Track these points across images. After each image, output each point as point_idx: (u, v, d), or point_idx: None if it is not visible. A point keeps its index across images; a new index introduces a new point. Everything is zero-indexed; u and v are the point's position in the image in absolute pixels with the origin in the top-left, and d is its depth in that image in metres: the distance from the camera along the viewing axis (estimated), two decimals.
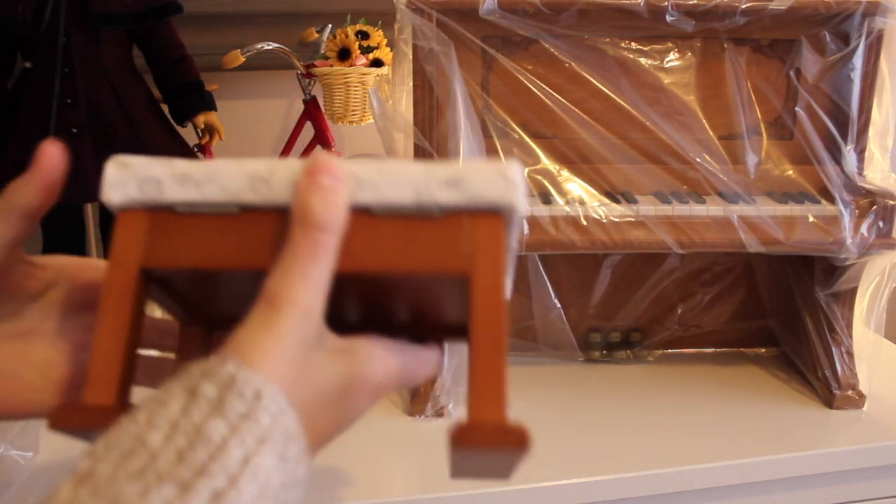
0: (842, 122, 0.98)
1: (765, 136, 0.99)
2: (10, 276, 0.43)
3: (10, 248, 0.42)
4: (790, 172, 0.99)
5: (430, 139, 0.94)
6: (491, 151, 0.95)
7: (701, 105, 0.98)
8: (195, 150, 1.14)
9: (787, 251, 0.94)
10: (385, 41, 1.24)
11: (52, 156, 0.43)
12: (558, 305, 1.06)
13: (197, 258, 0.39)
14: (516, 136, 0.97)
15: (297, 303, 0.35)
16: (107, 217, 1.10)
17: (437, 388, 0.94)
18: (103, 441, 0.32)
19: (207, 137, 1.16)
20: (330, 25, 1.27)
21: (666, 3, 0.92)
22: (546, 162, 0.97)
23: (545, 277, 1.05)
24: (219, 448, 0.31)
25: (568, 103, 0.96)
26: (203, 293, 0.44)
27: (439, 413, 0.94)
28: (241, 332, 0.35)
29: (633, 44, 0.97)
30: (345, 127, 1.37)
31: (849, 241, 0.93)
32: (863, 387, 0.99)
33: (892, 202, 0.94)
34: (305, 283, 0.35)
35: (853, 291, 0.98)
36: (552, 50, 0.95)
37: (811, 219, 0.94)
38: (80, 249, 1.09)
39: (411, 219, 0.37)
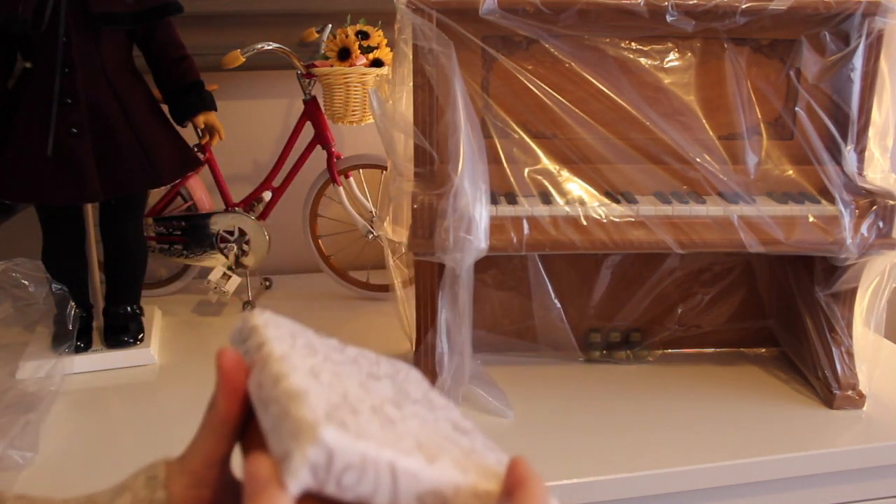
0: (842, 122, 0.98)
1: (765, 136, 0.99)
2: (226, 490, 0.42)
3: (224, 464, 0.41)
4: (790, 172, 0.99)
5: (430, 139, 0.94)
6: (491, 151, 0.95)
7: (701, 105, 0.98)
8: (195, 150, 1.14)
9: (787, 251, 0.94)
10: (385, 41, 1.23)
11: (229, 359, 0.40)
12: (558, 305, 1.06)
13: None
14: (516, 136, 0.97)
15: None
16: (106, 217, 1.10)
17: (437, 388, 0.94)
18: None
19: (207, 137, 1.16)
20: (330, 25, 1.27)
21: (666, 3, 0.92)
22: (546, 162, 0.97)
23: (545, 277, 1.05)
24: None
25: (568, 103, 0.96)
26: None
27: None
28: None
29: (633, 44, 0.97)
30: (345, 127, 1.37)
31: (849, 241, 0.93)
32: (863, 387, 0.99)
33: (892, 202, 0.94)
34: None
35: (853, 291, 0.98)
36: (552, 50, 0.95)
37: (811, 219, 0.94)
38: (80, 249, 1.09)
39: None
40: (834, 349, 0.99)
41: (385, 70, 1.22)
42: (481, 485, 0.35)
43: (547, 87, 0.96)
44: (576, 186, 0.96)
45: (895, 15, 0.94)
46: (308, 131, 1.27)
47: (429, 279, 0.95)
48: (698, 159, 0.97)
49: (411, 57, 0.93)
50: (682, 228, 0.93)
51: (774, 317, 1.12)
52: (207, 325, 1.23)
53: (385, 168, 1.17)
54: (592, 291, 1.09)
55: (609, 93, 0.96)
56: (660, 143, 0.97)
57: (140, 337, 1.11)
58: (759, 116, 0.99)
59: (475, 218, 0.88)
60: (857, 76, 0.96)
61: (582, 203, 0.94)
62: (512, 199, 0.95)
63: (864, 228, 0.93)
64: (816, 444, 0.91)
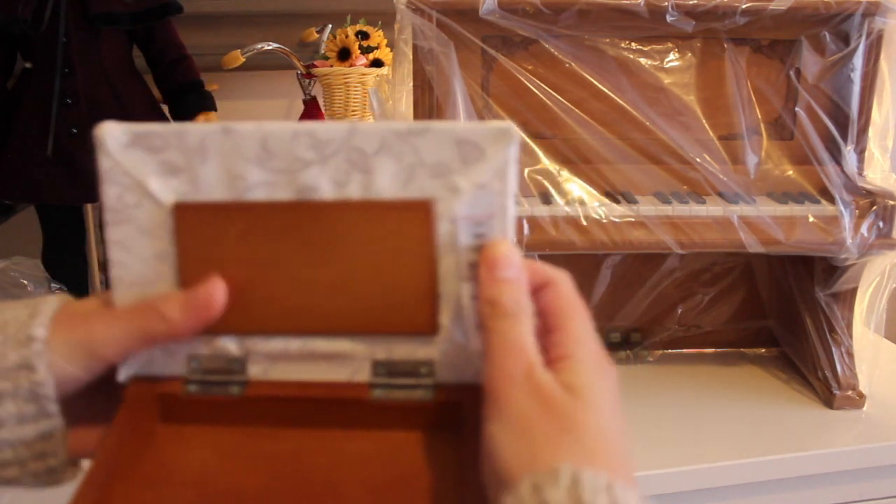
0: (842, 122, 0.98)
1: (765, 136, 0.99)
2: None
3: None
4: (790, 172, 0.99)
5: None
6: None
7: (701, 105, 0.98)
8: None
9: (787, 251, 0.94)
10: (385, 41, 1.23)
11: (223, 292, 0.37)
12: None
13: None
14: None
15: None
16: None
17: None
18: None
19: None
20: (330, 25, 1.27)
21: (666, 3, 0.92)
22: (546, 162, 0.97)
23: None
24: None
25: (568, 103, 0.96)
26: None
27: None
28: (524, 442, 0.33)
29: (633, 44, 0.97)
30: None
31: (849, 241, 0.93)
32: (863, 387, 0.99)
33: (892, 202, 0.94)
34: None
35: (853, 291, 0.98)
36: (552, 50, 0.95)
37: (811, 219, 0.94)
38: (80, 249, 1.09)
39: None
40: (834, 349, 0.99)
41: (385, 70, 1.22)
42: None
43: (547, 87, 0.96)
44: (576, 186, 0.96)
45: (895, 15, 0.94)
46: None
47: None
48: (698, 159, 0.97)
49: (411, 57, 0.93)
50: (682, 228, 0.93)
51: (774, 317, 1.12)
52: None
53: None
54: (592, 291, 1.09)
55: (609, 93, 0.96)
56: (660, 143, 0.97)
57: None
58: (759, 116, 0.99)
59: None
60: (857, 76, 0.96)
61: (582, 203, 0.94)
62: None
63: (864, 228, 0.93)
64: (816, 444, 0.91)
